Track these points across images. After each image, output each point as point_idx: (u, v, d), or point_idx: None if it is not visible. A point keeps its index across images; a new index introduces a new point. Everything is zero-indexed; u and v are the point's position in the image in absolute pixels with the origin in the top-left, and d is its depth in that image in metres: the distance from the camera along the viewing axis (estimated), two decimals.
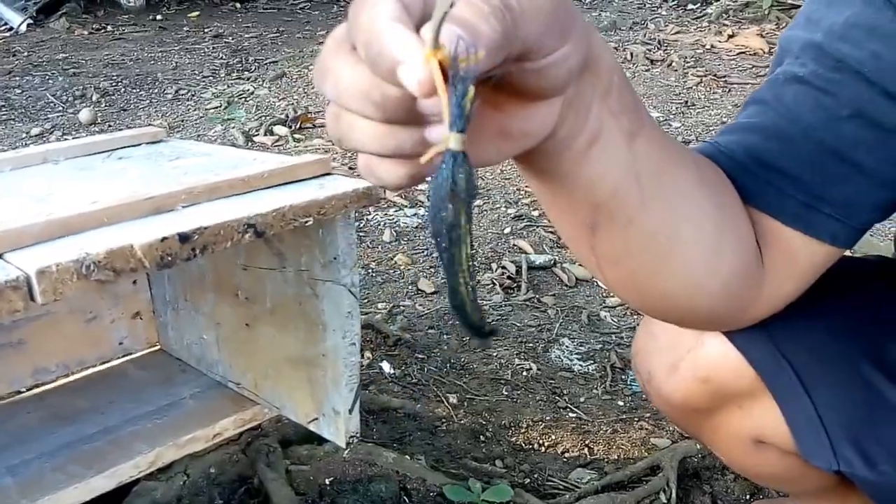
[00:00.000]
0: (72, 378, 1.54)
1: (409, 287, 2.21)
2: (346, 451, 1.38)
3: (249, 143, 3.44)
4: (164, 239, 0.92)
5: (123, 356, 1.61)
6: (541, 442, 1.61)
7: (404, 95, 0.42)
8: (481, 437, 1.61)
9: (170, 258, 0.92)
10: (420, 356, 1.86)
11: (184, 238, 0.93)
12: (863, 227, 0.77)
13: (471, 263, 0.44)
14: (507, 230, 2.54)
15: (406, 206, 2.71)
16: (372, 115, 0.45)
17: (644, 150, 0.62)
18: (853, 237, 0.77)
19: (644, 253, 0.69)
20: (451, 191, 0.42)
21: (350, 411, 1.24)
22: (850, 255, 2.13)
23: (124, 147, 1.37)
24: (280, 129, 3.55)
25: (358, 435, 1.28)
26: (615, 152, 0.60)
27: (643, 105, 0.64)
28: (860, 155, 0.73)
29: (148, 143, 1.39)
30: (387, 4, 0.43)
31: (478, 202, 2.74)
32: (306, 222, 1.03)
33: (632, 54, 4.61)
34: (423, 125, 0.44)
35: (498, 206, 2.71)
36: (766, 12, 5.36)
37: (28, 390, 1.50)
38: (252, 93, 4.20)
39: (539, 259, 2.33)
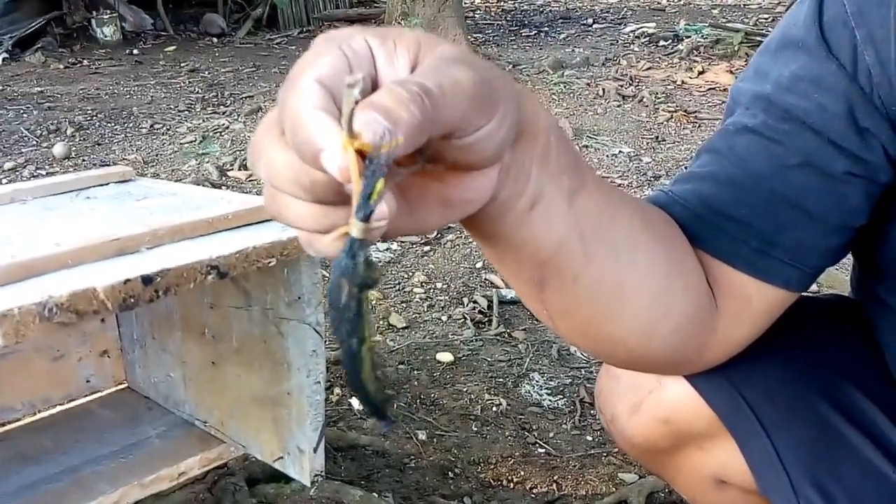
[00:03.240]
0: (38, 417, 1.53)
1: (380, 322, 2.21)
2: (312, 490, 1.37)
3: (224, 178, 3.44)
4: (127, 281, 0.92)
5: (90, 394, 1.60)
6: (510, 478, 1.61)
7: (331, 180, 0.44)
8: (450, 473, 1.61)
9: (133, 300, 0.93)
10: (389, 392, 1.86)
11: (147, 280, 0.93)
12: (815, 271, 0.79)
13: (371, 343, 0.46)
14: (479, 265, 2.56)
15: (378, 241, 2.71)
16: (303, 197, 0.46)
17: (586, 206, 0.63)
18: (806, 281, 0.79)
19: (593, 304, 0.70)
20: (349, 276, 0.44)
21: (315, 450, 1.24)
22: (816, 290, 2.16)
23: (92, 186, 1.37)
24: None
25: (323, 473, 1.28)
26: (557, 212, 0.61)
27: (583, 160, 0.65)
28: (810, 202, 0.75)
29: (116, 183, 1.40)
30: (311, 91, 0.45)
31: (450, 236, 2.75)
32: (269, 263, 1.04)
33: (604, 90, 4.67)
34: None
35: (470, 240, 2.72)
36: (736, 49, 5.45)
37: None
38: (227, 127, 4.20)
39: (510, 293, 2.34)
